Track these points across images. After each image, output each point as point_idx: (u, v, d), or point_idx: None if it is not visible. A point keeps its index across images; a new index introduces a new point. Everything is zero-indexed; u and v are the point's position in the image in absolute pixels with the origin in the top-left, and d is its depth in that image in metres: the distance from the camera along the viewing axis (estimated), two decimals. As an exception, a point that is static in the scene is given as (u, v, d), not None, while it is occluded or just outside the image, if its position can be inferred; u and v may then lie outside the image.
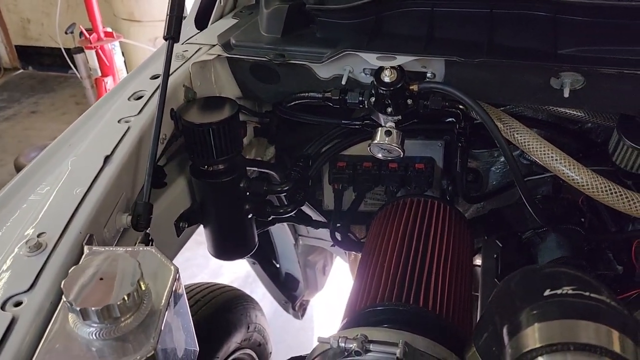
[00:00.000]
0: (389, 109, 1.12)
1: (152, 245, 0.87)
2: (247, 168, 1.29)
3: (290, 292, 2.48)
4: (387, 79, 1.09)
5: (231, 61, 1.29)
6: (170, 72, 1.17)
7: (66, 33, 4.15)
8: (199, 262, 3.27)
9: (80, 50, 4.15)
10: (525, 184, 1.13)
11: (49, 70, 6.10)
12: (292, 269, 2.41)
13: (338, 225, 1.55)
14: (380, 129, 1.14)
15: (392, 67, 1.09)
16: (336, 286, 2.82)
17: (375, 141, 1.14)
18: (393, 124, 1.14)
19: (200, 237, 1.33)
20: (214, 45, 1.30)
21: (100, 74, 4.15)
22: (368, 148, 1.18)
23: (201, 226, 1.30)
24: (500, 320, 0.64)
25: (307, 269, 2.40)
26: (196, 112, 1.16)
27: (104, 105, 1.16)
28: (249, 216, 1.28)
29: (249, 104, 1.45)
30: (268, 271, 2.35)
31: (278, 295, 2.47)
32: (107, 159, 0.94)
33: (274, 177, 1.46)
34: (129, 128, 1.02)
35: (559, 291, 0.60)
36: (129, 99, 1.12)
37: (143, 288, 0.69)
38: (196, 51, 1.28)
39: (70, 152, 1.01)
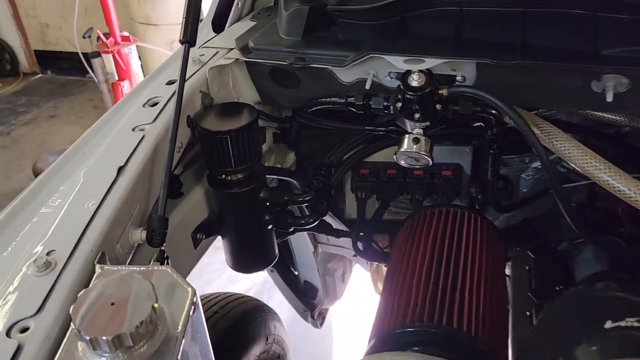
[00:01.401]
0: (417, 115, 1.06)
1: (167, 263, 0.82)
2: (267, 176, 1.24)
3: (309, 300, 2.42)
4: (414, 83, 1.02)
5: (249, 65, 1.23)
6: (187, 78, 1.13)
7: (84, 37, 4.16)
8: (216, 268, 3.22)
9: (97, 54, 4.16)
10: (564, 193, 1.06)
11: (67, 74, 6.14)
12: (311, 277, 2.35)
13: (361, 234, 1.49)
14: (407, 136, 1.08)
15: (420, 71, 1.02)
16: (355, 294, 2.76)
17: (402, 149, 1.08)
18: (421, 131, 1.08)
19: (217, 243, 1.28)
20: (232, 49, 1.25)
21: (117, 78, 4.15)
22: (394, 156, 1.12)
23: (219, 237, 1.25)
24: (551, 353, 0.58)
25: (327, 276, 2.34)
26: (213, 118, 1.11)
27: (118, 112, 1.11)
28: (269, 227, 1.23)
29: (268, 109, 1.40)
30: (286, 279, 2.30)
31: (296, 304, 2.41)
32: (120, 169, 0.89)
33: (294, 186, 1.41)
34: (143, 137, 0.97)
35: (622, 323, 0.53)
36: (143, 105, 1.07)
37: (157, 313, 0.64)
38: (213, 55, 1.23)
39: (83, 162, 0.97)
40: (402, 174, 1.42)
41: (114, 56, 4.04)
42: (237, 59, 1.20)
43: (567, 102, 1.07)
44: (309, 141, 1.49)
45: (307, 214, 1.25)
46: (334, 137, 1.45)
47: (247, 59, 1.19)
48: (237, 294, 1.82)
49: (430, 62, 1.02)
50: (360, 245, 1.51)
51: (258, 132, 1.12)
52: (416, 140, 1.06)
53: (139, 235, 0.86)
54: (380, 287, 1.92)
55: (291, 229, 1.24)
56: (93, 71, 4.33)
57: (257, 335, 1.68)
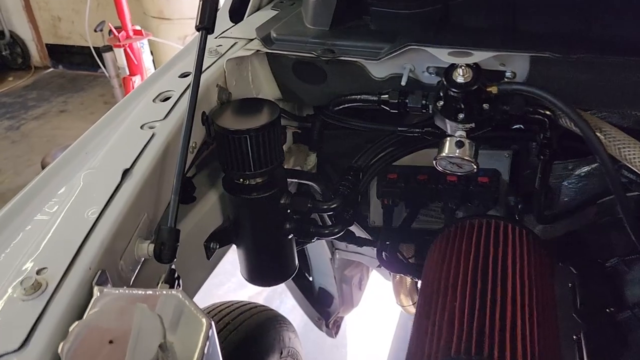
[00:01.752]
0: (460, 115, 0.93)
1: (178, 284, 0.71)
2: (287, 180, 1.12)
3: (323, 308, 2.31)
4: (460, 79, 0.90)
5: (271, 58, 1.12)
6: (202, 70, 1.01)
7: (95, 31, 4.07)
8: (225, 269, 3.12)
9: (108, 48, 4.06)
10: (629, 205, 0.93)
11: (79, 69, 6.06)
12: (327, 284, 2.24)
13: (386, 244, 1.37)
14: (449, 139, 0.96)
15: (466, 65, 0.90)
16: (371, 301, 2.64)
17: (444, 153, 0.96)
18: (464, 133, 0.95)
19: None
20: (252, 40, 1.13)
21: (128, 72, 4.05)
22: (434, 162, 1.00)
23: (234, 246, 1.14)
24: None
25: (343, 284, 2.23)
26: (231, 116, 1.00)
27: (126, 107, 1.00)
28: (289, 237, 1.11)
29: (288, 106, 1.29)
30: (300, 285, 2.18)
31: (310, 312, 2.30)
32: (126, 173, 0.78)
33: (315, 191, 1.29)
34: (153, 135, 0.86)
35: None
36: (154, 100, 0.96)
37: (165, 351, 0.52)
38: (231, 46, 1.12)
39: (85, 163, 0.85)
40: (434, 179, 1.30)
41: (125, 50, 3.94)
42: (257, 51, 1.09)
43: (631, 102, 0.94)
44: (331, 142, 1.37)
45: (332, 222, 1.13)
46: (359, 137, 1.33)
47: (269, 50, 1.07)
48: (250, 303, 1.71)
49: (478, 56, 0.89)
50: (384, 255, 1.39)
51: (280, 131, 1.01)
52: (460, 144, 0.94)
53: (146, 249, 0.75)
54: (403, 299, 1.80)
55: (313, 239, 1.12)
56: (104, 66, 4.24)
57: (271, 349, 1.56)
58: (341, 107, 1.12)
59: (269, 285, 1.21)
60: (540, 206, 1.18)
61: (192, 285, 1.05)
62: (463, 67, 0.90)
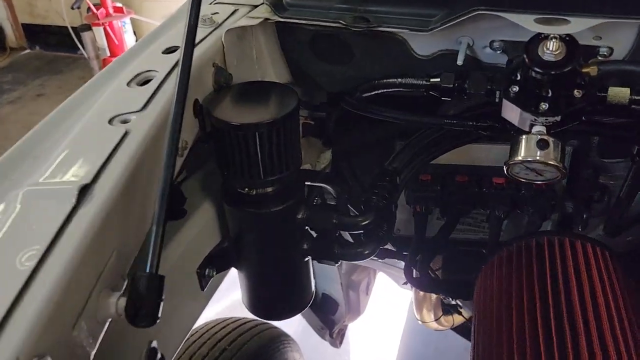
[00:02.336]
0: (544, 105, 0.69)
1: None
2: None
3: (327, 316, 2.08)
4: (549, 56, 0.66)
5: (283, 29, 0.87)
6: (195, 44, 0.76)
7: (72, 8, 3.75)
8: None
9: (87, 27, 3.76)
10: None
11: (56, 50, 5.70)
12: (331, 290, 2.02)
13: (417, 258, 1.14)
14: (525, 137, 0.72)
15: (559, 38, 0.66)
16: (374, 301, 2.43)
17: (520, 156, 0.72)
18: (544, 129, 0.71)
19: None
20: (257, 6, 0.88)
21: (109, 54, 3.74)
22: (504, 168, 0.76)
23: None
24: None
25: (350, 290, 2.01)
26: (233, 105, 0.75)
27: (93, 94, 0.75)
28: (306, 259, 0.87)
29: (298, 91, 1.03)
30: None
31: (313, 320, 2.08)
32: (84, 190, 0.53)
33: (329, 194, 1.05)
34: (126, 133, 0.61)
35: None
36: (129, 84, 0.71)
37: None
38: (232, 13, 0.87)
39: (31, 174, 0.60)
40: (477, 181, 1.06)
41: (105, 30, 3.64)
42: (265, 19, 0.83)
43: None
44: (348, 135, 1.13)
45: (361, 240, 0.88)
46: (381, 131, 1.09)
47: (280, 19, 0.82)
48: (250, 320, 1.47)
49: (578, 24, 0.65)
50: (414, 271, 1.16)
51: (299, 126, 0.76)
52: (542, 144, 0.70)
53: (114, 305, 0.50)
54: (426, 314, 1.57)
55: (337, 263, 0.88)
56: (83, 46, 3.93)
57: (275, 377, 1.34)
58: (373, 93, 0.88)
59: (279, 319, 0.97)
60: (619, 218, 0.95)
61: (181, 327, 0.81)
62: (555, 40, 0.65)
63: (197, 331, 1.34)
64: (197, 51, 0.76)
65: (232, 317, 1.47)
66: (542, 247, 0.83)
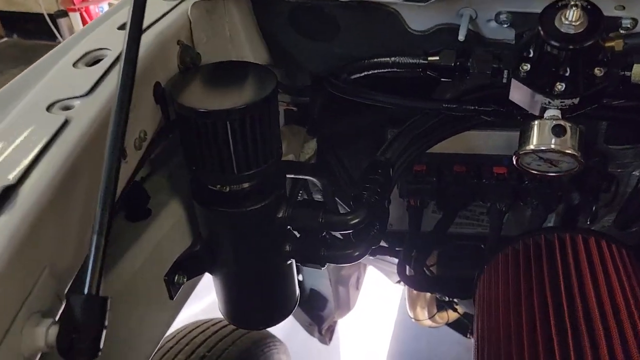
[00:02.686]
0: (560, 86, 0.60)
1: None
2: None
3: (316, 312, 2.00)
4: (569, 28, 0.57)
5: (259, 1, 0.76)
6: (155, 19, 0.66)
7: (47, -6, 3.60)
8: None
9: (63, 13, 3.61)
10: None
11: (35, 37, 5.50)
12: (319, 285, 1.93)
13: (412, 255, 1.05)
14: (538, 122, 0.62)
15: (580, 5, 0.56)
16: (364, 295, 2.35)
17: (531, 145, 0.62)
18: (559, 113, 0.62)
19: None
20: (230, -25, 0.77)
21: (86, 41, 3.60)
22: (514, 159, 0.66)
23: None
24: None
25: (339, 285, 1.92)
26: (201, 89, 0.65)
27: (36, 79, 0.64)
28: (288, 262, 0.78)
29: (279, 73, 0.93)
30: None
31: (301, 317, 1.99)
32: (6, 194, 0.42)
33: (315, 187, 0.96)
34: (66, 122, 0.50)
35: None
36: (75, 64, 0.60)
37: None
38: (200, -16, 0.76)
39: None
40: (476, 172, 0.97)
41: (82, 15, 3.49)
42: (238, -10, 0.73)
43: None
44: (334, 124, 1.04)
45: (351, 241, 0.79)
46: (371, 117, 1.00)
47: (255, -10, 0.72)
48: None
49: (602, -12, 0.56)
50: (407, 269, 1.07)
51: (278, 113, 0.66)
52: (558, 130, 0.60)
53: (43, 335, 0.40)
54: (419, 312, 1.49)
55: (323, 266, 0.79)
56: (60, 33, 3.77)
57: (260, 384, 1.24)
58: (362, 74, 0.78)
59: (260, 328, 0.88)
60: (635, 211, 0.86)
61: (148, 341, 0.72)
62: (575, 9, 0.56)
63: (173, 336, 1.25)
64: (159, 27, 0.66)
65: (211, 319, 1.37)
66: (553, 246, 0.75)
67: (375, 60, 0.75)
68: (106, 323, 0.41)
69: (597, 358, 0.60)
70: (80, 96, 0.54)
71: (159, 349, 1.20)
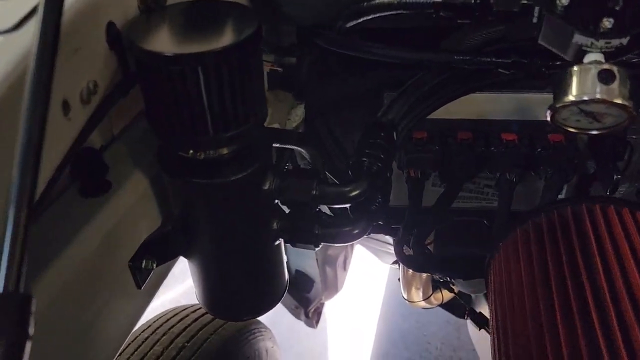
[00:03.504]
0: (607, 22, 0.49)
1: None
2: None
3: (302, 294, 1.91)
4: (625, -55, 0.46)
5: None
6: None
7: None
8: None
9: None
10: None
11: None
12: (305, 266, 1.84)
13: (410, 234, 0.94)
14: (579, 68, 0.52)
15: None
16: (352, 278, 2.26)
17: (572, 96, 0.51)
18: (601, 57, 0.51)
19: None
20: None
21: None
22: (547, 114, 0.56)
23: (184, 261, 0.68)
24: None
25: (327, 266, 1.83)
26: (166, 32, 0.53)
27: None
28: (277, 242, 0.66)
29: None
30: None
31: (286, 300, 1.90)
32: None
33: (303, 158, 0.85)
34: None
35: None
36: (1, -5, 0.47)
37: None
38: None
39: None
40: (483, 139, 0.87)
41: None
42: None
43: None
44: (324, 87, 0.93)
45: (349, 217, 0.68)
46: (367, 79, 0.89)
47: None
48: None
49: None
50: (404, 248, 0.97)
51: (262, 63, 0.54)
52: (606, 76, 0.50)
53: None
54: (414, 294, 1.40)
55: (318, 246, 0.68)
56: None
57: (245, 374, 1.14)
58: (360, 20, 0.66)
59: (243, 319, 0.77)
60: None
61: (113, 336, 0.60)
62: None
63: (149, 325, 1.13)
64: (113, -45, 0.53)
65: (192, 305, 1.26)
66: (582, 218, 0.65)
67: (377, 1, 0.63)
68: (31, 328, 0.30)
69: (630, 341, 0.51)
70: (4, 31, 0.41)
71: (132, 340, 1.09)
